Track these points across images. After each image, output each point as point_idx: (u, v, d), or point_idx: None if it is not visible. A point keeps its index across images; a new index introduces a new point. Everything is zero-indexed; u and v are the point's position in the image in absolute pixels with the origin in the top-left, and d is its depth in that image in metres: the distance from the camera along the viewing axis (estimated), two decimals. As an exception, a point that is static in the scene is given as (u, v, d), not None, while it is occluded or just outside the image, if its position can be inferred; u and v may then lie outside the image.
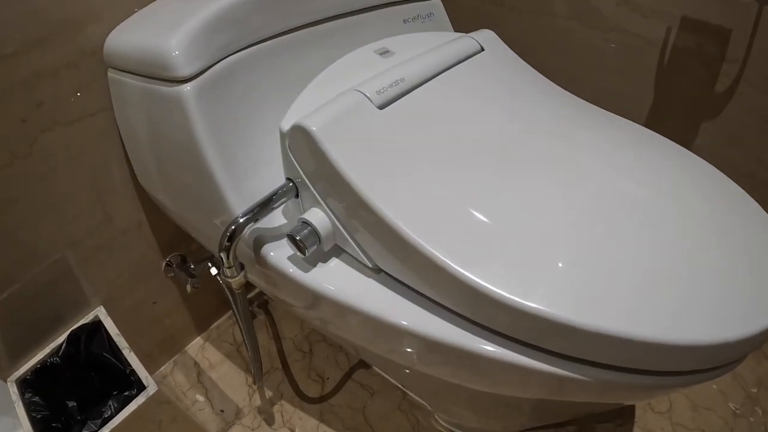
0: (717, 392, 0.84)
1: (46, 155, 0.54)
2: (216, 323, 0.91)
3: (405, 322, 0.38)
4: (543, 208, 0.39)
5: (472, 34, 0.59)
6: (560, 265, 0.35)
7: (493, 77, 0.53)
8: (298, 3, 0.53)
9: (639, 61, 0.88)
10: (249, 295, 0.89)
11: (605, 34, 0.89)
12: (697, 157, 0.52)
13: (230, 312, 0.92)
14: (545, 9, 0.93)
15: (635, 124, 0.56)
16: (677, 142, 0.94)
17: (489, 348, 0.37)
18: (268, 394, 0.81)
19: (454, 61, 0.52)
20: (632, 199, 0.41)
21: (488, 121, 0.47)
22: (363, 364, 0.85)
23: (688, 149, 0.94)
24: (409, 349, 0.42)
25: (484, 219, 0.37)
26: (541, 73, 0.97)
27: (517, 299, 0.33)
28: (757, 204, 0.46)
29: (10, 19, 0.46)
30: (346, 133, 0.38)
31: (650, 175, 0.45)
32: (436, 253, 0.35)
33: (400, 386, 0.80)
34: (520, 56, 0.87)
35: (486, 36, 0.60)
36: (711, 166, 0.51)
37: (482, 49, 0.57)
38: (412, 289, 0.40)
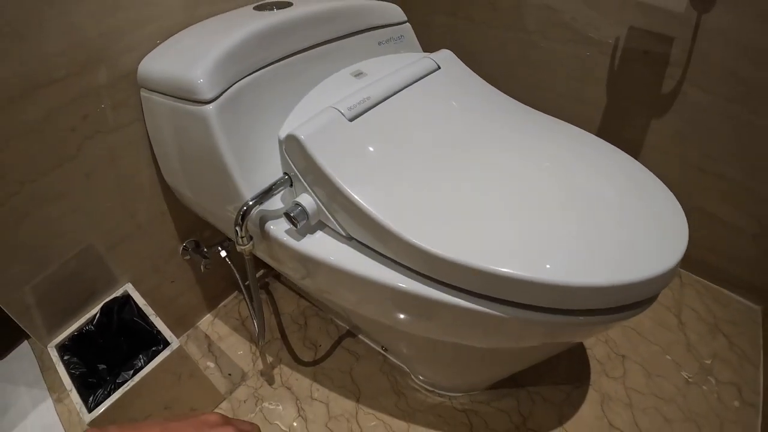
0: (671, 362, 0.89)
1: (89, 158, 0.64)
2: (224, 302, 1.02)
3: (371, 275, 0.52)
4: (471, 188, 0.52)
5: (431, 55, 0.71)
6: (480, 226, 0.48)
7: (443, 91, 0.66)
8: (292, 35, 0.65)
9: (592, 68, 0.96)
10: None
11: (563, 45, 0.98)
12: (608, 144, 0.63)
13: (236, 292, 1.03)
14: (511, 24, 1.02)
15: (562, 122, 0.67)
16: (629, 140, 1.04)
17: (434, 292, 0.49)
18: (269, 359, 0.91)
19: (413, 79, 0.65)
20: (550, 174, 0.54)
21: (434, 126, 0.60)
22: (350, 334, 0.95)
23: (640, 146, 1.04)
24: (375, 297, 0.55)
25: (426, 198, 0.51)
26: (508, 80, 1.06)
27: (448, 255, 0.46)
28: (651, 173, 0.57)
29: (62, 50, 0.56)
30: (326, 140, 0.52)
31: (565, 161, 0.57)
32: (389, 223, 0.48)
33: (382, 351, 0.91)
34: (488, 66, 0.97)
35: (443, 56, 0.72)
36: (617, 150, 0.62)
37: (438, 68, 0.70)
38: (375, 251, 0.53)
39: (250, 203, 0.53)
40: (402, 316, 0.56)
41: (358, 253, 0.54)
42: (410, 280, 0.50)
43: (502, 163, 0.56)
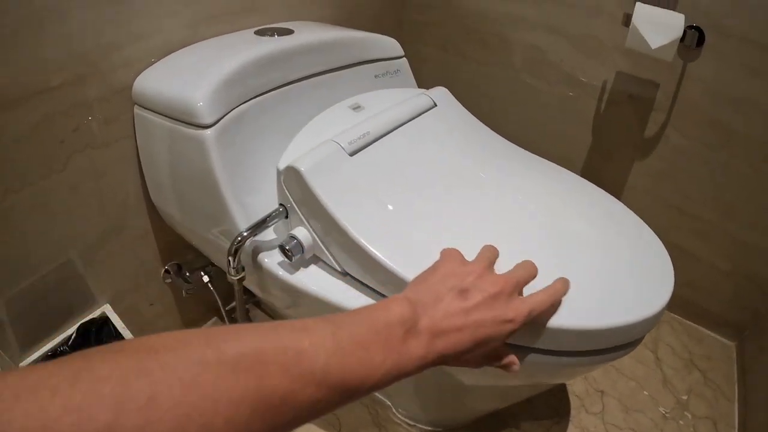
0: (648, 397, 0.90)
1: (76, 172, 0.62)
2: (202, 327, 0.99)
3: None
4: (465, 229, 0.53)
5: (428, 92, 0.73)
6: None
7: (439, 130, 0.67)
8: (292, 63, 0.66)
9: (579, 109, 0.99)
10: (231, 305, 0.99)
11: (550, 85, 1.01)
12: (596, 188, 0.65)
13: (215, 318, 1.01)
14: (500, 61, 1.05)
15: (554, 165, 0.69)
16: (612, 181, 1.08)
17: None
18: None
19: (410, 116, 0.66)
20: (536, 215, 0.55)
21: (434, 162, 0.61)
22: None
23: (622, 187, 1.08)
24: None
25: (422, 235, 0.51)
26: (497, 116, 1.09)
27: None
28: (636, 217, 0.59)
29: (57, 58, 0.55)
30: (325, 174, 0.51)
31: (553, 199, 0.59)
32: (387, 260, 0.48)
33: None
34: (477, 101, 0.98)
35: (439, 93, 0.74)
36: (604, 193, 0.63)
37: (435, 105, 0.71)
38: (370, 288, 0.52)
39: (245, 234, 0.52)
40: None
41: (352, 289, 0.53)
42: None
43: (494, 205, 0.57)
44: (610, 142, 1.00)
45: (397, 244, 0.49)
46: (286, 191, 0.53)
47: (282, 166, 0.52)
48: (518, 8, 0.98)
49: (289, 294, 0.57)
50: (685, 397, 0.91)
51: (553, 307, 0.42)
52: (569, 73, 0.98)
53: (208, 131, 0.55)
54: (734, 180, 0.89)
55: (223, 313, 0.86)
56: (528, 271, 0.40)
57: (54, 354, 0.69)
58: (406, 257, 0.48)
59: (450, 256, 0.38)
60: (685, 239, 1.00)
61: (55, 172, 0.61)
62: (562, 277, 0.42)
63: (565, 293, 0.42)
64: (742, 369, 0.97)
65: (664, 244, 0.55)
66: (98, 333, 0.72)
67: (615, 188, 1.03)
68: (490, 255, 0.41)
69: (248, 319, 1.00)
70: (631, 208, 0.61)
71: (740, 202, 0.90)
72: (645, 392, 0.92)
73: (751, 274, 0.96)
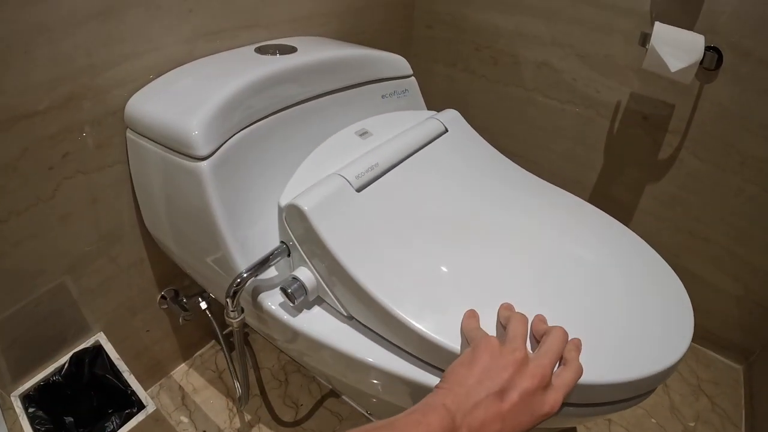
0: (656, 425, 0.89)
1: (67, 199, 0.60)
2: (199, 352, 0.97)
3: (370, 359, 0.48)
4: (479, 273, 0.50)
5: (438, 115, 0.69)
6: (486, 314, 0.45)
7: (452, 160, 0.64)
8: (293, 84, 0.62)
9: (591, 129, 0.97)
10: (229, 329, 0.96)
11: (562, 105, 0.98)
12: (617, 223, 0.62)
13: (213, 342, 0.99)
14: (511, 80, 1.03)
15: (572, 196, 0.65)
16: (623, 203, 1.05)
17: (432, 378, 0.46)
18: (247, 417, 0.86)
19: (421, 143, 0.63)
20: (558, 260, 0.52)
21: (445, 198, 0.58)
22: (333, 394, 0.91)
23: (633, 209, 1.05)
24: (374, 381, 0.51)
25: (433, 281, 0.48)
26: (506, 135, 1.06)
27: (450, 344, 0.43)
28: (663, 261, 0.56)
29: (45, 80, 0.52)
30: (331, 213, 0.48)
31: (577, 239, 0.56)
32: (393, 307, 0.44)
33: (366, 414, 0.87)
34: (487, 120, 0.94)
35: (450, 116, 0.70)
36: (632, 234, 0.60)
37: (446, 130, 0.68)
38: (377, 333, 0.49)
39: (245, 275, 0.49)
40: (399, 397, 0.53)
41: (358, 334, 0.50)
42: (409, 365, 0.47)
43: (511, 245, 0.54)
44: (622, 163, 0.98)
45: (407, 293, 0.46)
46: (288, 229, 0.50)
47: (284, 202, 0.49)
48: (531, 26, 0.96)
49: (291, 336, 0.54)
50: (692, 425, 0.90)
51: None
52: (582, 92, 0.96)
53: (204, 163, 0.51)
54: (747, 205, 0.87)
55: (221, 339, 0.84)
56: (561, 346, 0.39)
57: (47, 384, 0.67)
58: (418, 307, 0.45)
59: (487, 347, 0.37)
60: (695, 263, 0.99)
61: (44, 200, 0.59)
62: (579, 344, 0.41)
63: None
64: (750, 393, 0.96)
65: (673, 267, 0.53)
66: (91, 363, 0.70)
67: (626, 210, 1.01)
68: (523, 332, 0.40)
69: (247, 342, 0.98)
70: (642, 231, 0.58)
71: (753, 227, 0.89)
72: (653, 420, 0.91)
73: (760, 299, 0.95)
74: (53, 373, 0.68)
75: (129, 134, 0.61)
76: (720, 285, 0.98)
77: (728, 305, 0.99)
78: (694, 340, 1.12)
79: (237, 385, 0.71)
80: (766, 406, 0.87)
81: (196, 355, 0.97)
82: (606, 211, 0.63)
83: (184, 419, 0.86)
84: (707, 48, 0.76)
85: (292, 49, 0.68)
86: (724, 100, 0.81)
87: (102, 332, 0.73)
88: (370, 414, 0.87)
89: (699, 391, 0.97)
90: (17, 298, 0.62)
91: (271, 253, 0.51)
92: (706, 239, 0.95)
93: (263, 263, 0.50)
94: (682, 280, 0.52)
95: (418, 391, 0.48)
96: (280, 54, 0.67)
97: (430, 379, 0.46)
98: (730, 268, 0.95)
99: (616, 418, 0.91)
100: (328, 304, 0.53)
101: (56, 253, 0.63)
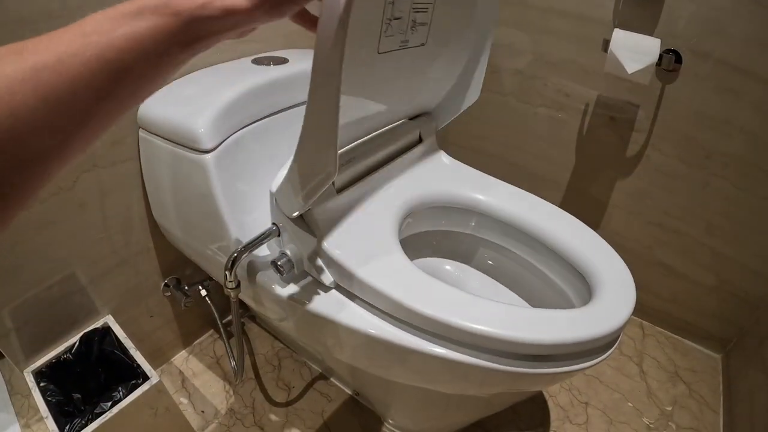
0: (632, 409, 0.92)
1: (84, 190, 0.66)
2: (198, 340, 1.02)
3: (349, 322, 0.54)
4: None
5: (417, 123, 0.76)
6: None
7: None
8: (286, 91, 0.70)
9: (562, 131, 1.03)
10: (227, 318, 1.01)
11: (535, 108, 1.05)
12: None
13: (211, 331, 1.04)
14: (488, 86, 1.08)
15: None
16: (595, 199, 1.12)
17: (409, 339, 0.52)
18: (242, 398, 0.91)
19: (397, 150, 0.70)
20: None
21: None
22: (323, 377, 0.96)
23: (606, 204, 1.11)
24: (352, 343, 0.57)
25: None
26: (485, 139, 1.11)
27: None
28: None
29: None
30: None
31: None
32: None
33: (353, 395, 0.92)
34: (467, 124, 0.99)
35: (425, 123, 0.77)
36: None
37: (420, 141, 0.75)
38: (357, 297, 0.56)
39: (241, 250, 0.55)
40: (376, 359, 0.59)
41: (339, 302, 0.56)
42: (391, 327, 0.53)
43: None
44: (593, 162, 1.03)
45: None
46: (278, 212, 0.57)
47: (275, 188, 0.56)
48: (506, 35, 1.02)
49: (281, 306, 0.60)
50: (669, 408, 0.92)
51: None
52: (553, 97, 1.02)
53: (209, 155, 0.59)
54: (714, 197, 0.91)
55: (220, 326, 0.89)
56: None
57: (58, 361, 0.71)
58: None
59: None
60: (667, 255, 1.03)
61: (65, 190, 0.65)
62: None
63: None
64: (728, 381, 0.99)
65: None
66: (101, 342, 0.74)
67: (598, 207, 1.06)
68: None
69: (243, 331, 1.03)
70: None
71: (721, 219, 0.92)
72: (629, 404, 0.93)
73: (734, 288, 0.98)
74: (64, 352, 0.72)
75: (141, 133, 0.68)
76: (693, 276, 1.02)
77: (703, 296, 1.03)
78: (671, 330, 1.16)
79: (233, 364, 0.76)
80: (743, 392, 0.90)
81: (195, 342, 1.02)
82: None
83: (184, 401, 0.91)
84: (666, 51, 0.83)
85: (284, 60, 0.76)
86: (685, 99, 0.86)
87: (110, 315, 0.78)
88: (356, 394, 0.92)
89: (676, 377, 1.00)
90: (33, 282, 0.66)
91: (264, 233, 0.57)
92: (677, 231, 0.99)
93: (256, 241, 0.56)
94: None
95: (390, 349, 0.53)
96: (274, 65, 0.74)
97: (400, 336, 0.52)
98: (702, 259, 0.99)
99: (592, 400, 0.94)
100: (313, 276, 0.59)
101: (72, 239, 0.68)
